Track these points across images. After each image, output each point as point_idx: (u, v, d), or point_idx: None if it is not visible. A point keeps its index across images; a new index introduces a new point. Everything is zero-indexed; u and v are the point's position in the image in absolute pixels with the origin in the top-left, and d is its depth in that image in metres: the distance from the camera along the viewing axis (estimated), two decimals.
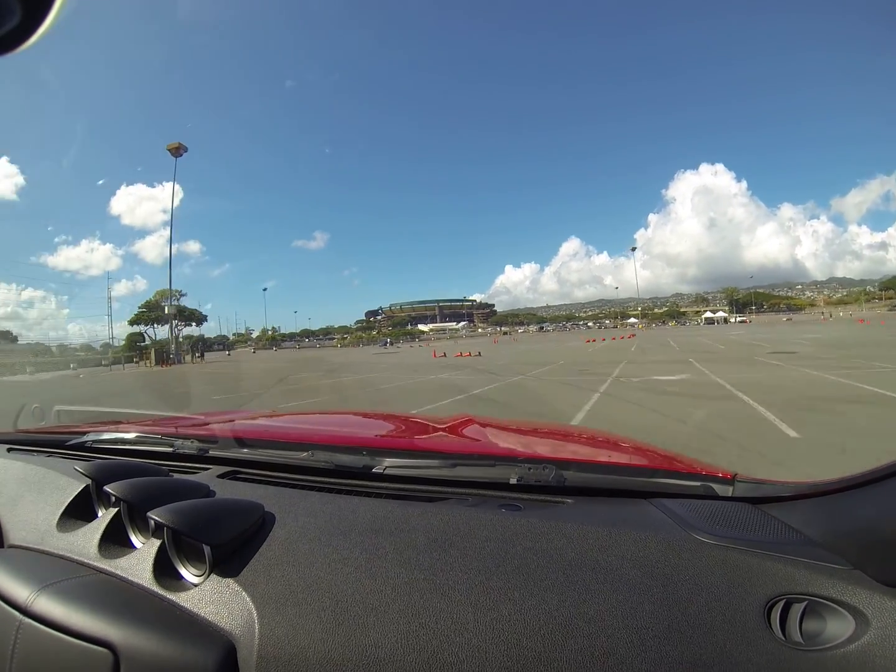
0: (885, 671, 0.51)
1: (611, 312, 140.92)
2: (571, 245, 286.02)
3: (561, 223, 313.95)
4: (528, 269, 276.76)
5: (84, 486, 0.93)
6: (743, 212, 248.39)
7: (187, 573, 0.71)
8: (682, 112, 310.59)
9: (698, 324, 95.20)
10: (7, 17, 0.35)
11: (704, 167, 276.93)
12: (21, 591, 0.67)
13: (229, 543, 0.70)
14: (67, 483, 0.97)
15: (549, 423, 1.53)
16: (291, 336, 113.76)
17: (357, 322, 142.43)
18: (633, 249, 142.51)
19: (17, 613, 0.65)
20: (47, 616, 0.63)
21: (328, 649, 0.57)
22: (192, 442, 1.16)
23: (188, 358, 44.40)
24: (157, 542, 0.74)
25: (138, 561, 0.74)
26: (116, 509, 0.83)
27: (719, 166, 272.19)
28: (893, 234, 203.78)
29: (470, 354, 24.50)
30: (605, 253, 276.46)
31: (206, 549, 0.69)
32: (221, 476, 1.04)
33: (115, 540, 0.81)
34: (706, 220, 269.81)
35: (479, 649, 0.55)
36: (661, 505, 0.80)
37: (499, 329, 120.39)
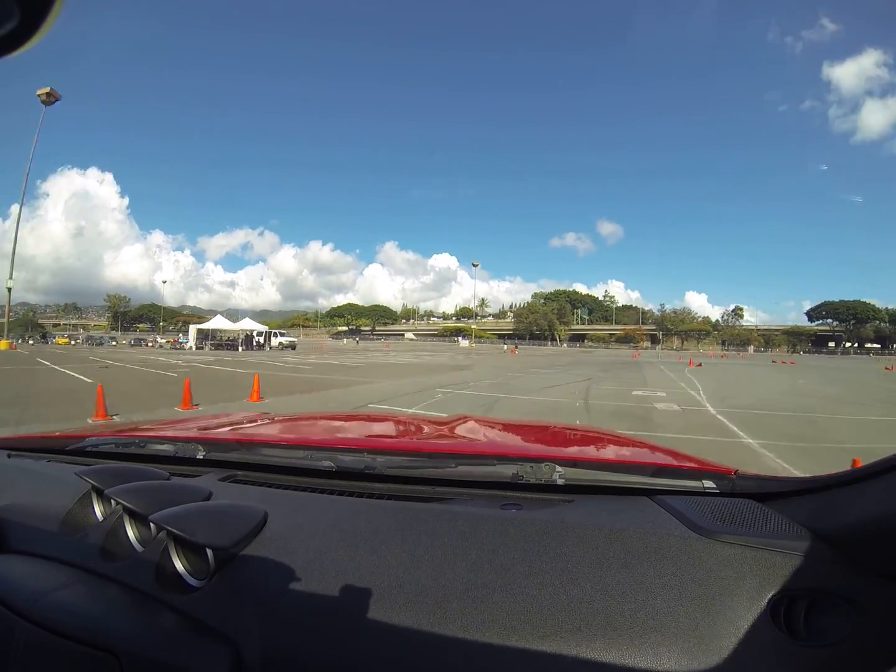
0: (889, 665, 0.51)
1: None
2: None
3: None
4: None
5: (85, 490, 0.93)
6: (115, 228, 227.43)
7: (189, 577, 0.71)
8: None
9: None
10: (6, 18, 0.34)
11: (93, 171, 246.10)
12: (23, 597, 0.67)
13: (231, 546, 0.70)
14: (68, 488, 0.97)
15: (549, 422, 1.57)
16: None
17: None
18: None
19: (19, 619, 0.65)
20: (49, 621, 0.63)
21: (332, 652, 0.57)
22: (192, 445, 1.16)
23: None
24: (158, 546, 0.74)
25: (140, 565, 0.74)
26: (118, 514, 0.83)
27: (108, 175, 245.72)
28: (241, 275, 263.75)
29: None
30: None
31: (209, 553, 0.69)
32: (222, 479, 1.03)
33: (116, 544, 0.80)
34: (75, 227, 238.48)
35: (484, 649, 0.55)
36: (663, 502, 0.80)
37: None
